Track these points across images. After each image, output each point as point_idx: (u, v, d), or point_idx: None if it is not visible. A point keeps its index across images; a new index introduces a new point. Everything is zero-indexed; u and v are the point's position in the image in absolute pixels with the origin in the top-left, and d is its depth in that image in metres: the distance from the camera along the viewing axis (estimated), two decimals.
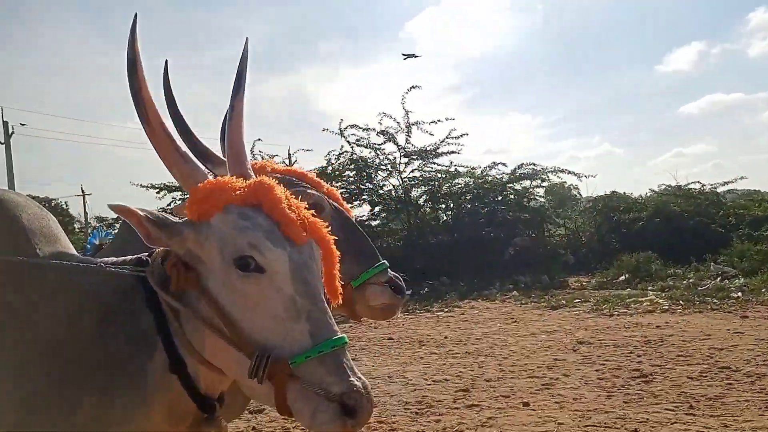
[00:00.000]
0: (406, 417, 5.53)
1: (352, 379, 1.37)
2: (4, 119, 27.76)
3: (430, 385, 6.59)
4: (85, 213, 38.13)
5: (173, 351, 1.53)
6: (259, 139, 18.39)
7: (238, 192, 1.49)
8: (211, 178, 1.56)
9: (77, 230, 30.51)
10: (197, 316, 1.49)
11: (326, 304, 1.48)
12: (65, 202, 41.03)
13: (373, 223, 18.02)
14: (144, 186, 17.98)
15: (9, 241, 1.60)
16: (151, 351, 1.53)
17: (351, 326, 10.86)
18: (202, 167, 1.58)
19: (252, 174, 1.64)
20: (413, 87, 17.19)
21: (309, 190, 2.17)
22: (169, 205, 18.38)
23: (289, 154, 19.82)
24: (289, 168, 2.28)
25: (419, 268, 16.54)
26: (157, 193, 17.94)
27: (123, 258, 1.61)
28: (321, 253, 1.59)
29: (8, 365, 1.48)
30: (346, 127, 17.22)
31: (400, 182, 17.56)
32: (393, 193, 17.67)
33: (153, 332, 1.53)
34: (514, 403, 5.74)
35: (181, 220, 1.53)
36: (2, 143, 27.29)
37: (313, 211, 2.05)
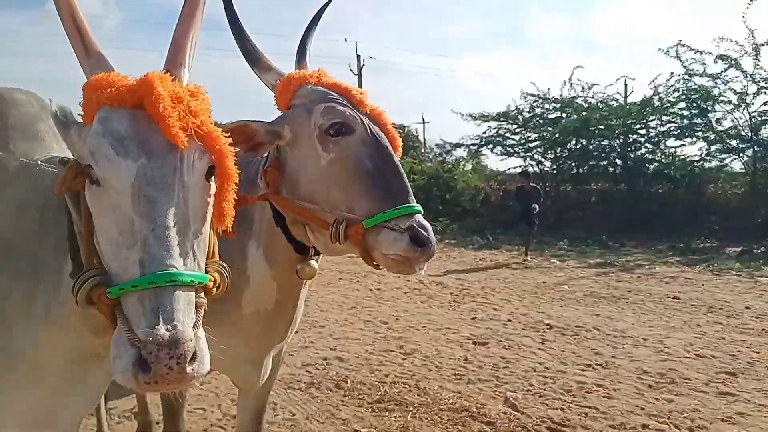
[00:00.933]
0: (633, 387, 4.73)
1: (159, 327, 1.12)
2: (357, 53, 32.09)
3: (689, 358, 5.47)
4: (424, 139, 41.57)
5: (77, 258, 1.48)
6: (579, 66, 17.17)
7: (111, 90, 1.32)
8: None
9: (419, 154, 33.48)
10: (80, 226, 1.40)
11: (172, 231, 1.22)
12: (416, 129, 45.44)
13: (707, 165, 15.36)
14: (461, 114, 18.62)
15: None
16: (66, 255, 1.51)
17: (638, 277, 9.71)
18: (110, 66, 1.43)
19: (183, 75, 1.45)
20: None
21: (339, 107, 1.85)
22: (484, 133, 18.80)
23: (626, 84, 18.03)
24: (335, 82, 1.98)
25: (760, 223, 13.72)
26: (474, 120, 18.39)
27: (58, 158, 1.60)
28: (217, 169, 1.35)
29: None
30: (677, 45, 14.73)
31: (747, 117, 14.47)
32: (734, 131, 14.70)
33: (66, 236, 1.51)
34: None
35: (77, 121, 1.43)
36: (355, 74, 31.39)
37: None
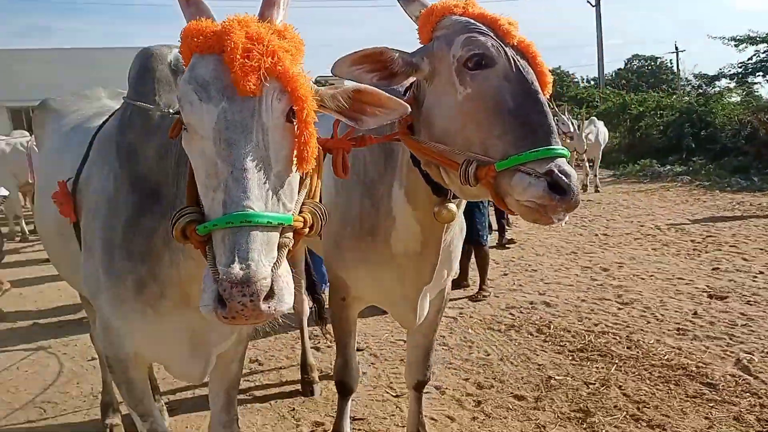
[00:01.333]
0: None
1: (234, 265, 1.17)
2: None
3: None
4: (678, 70, 36.77)
5: None
6: None
7: (199, 39, 1.34)
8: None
9: (672, 87, 29.83)
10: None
11: (251, 173, 1.24)
12: (670, 60, 40.49)
13: None
14: (722, 38, 16.00)
15: (140, 86, 1.92)
16: None
17: None
18: (207, 12, 1.42)
19: (276, 13, 1.42)
20: None
21: (481, 37, 1.66)
22: (750, 59, 15.98)
23: None
24: (482, 12, 1.75)
25: None
26: (736, 46, 15.68)
27: None
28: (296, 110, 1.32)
29: (120, 192, 1.82)
30: None
31: None
32: None
33: None
34: None
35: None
36: (593, 6, 28.71)
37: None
